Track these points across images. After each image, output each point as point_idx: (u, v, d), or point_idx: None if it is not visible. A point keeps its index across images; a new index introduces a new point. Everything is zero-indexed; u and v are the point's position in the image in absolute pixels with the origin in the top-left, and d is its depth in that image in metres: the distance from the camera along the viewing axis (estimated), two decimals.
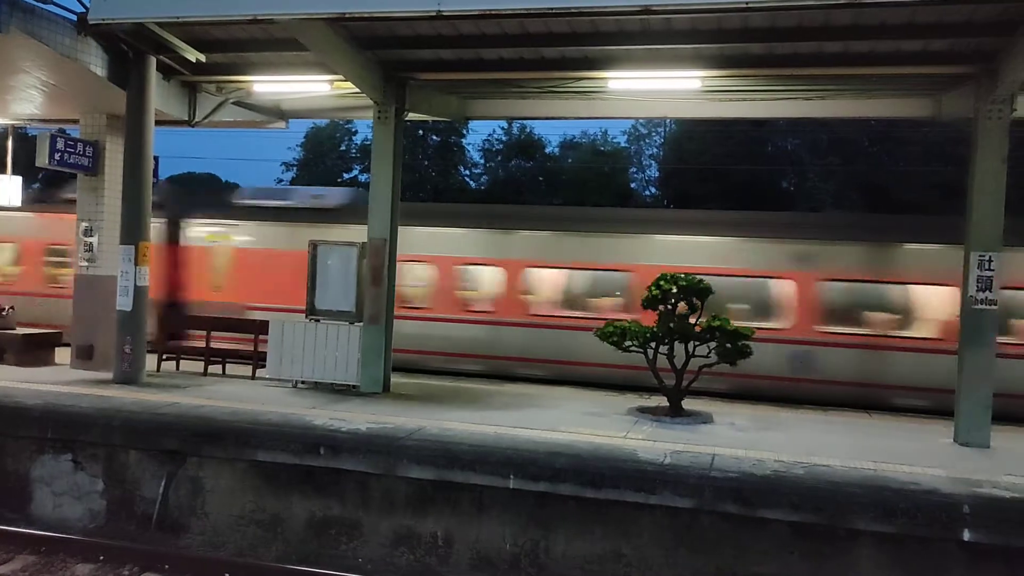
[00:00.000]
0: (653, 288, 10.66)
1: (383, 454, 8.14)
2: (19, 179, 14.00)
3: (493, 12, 8.86)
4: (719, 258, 13.43)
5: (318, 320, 11.89)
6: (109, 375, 11.56)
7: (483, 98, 13.05)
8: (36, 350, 12.86)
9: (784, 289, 13.33)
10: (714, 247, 13.64)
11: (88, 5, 9.83)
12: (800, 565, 7.14)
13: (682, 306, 10.65)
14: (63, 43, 10.20)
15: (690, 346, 10.54)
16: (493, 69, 11.33)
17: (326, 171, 44.20)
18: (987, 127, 9.64)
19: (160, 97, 11.92)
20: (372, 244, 11.62)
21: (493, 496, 7.84)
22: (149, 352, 11.89)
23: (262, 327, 12.27)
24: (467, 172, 44.43)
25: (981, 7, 8.81)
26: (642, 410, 11.00)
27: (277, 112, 14.36)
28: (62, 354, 13.01)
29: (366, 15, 9.17)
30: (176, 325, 14.55)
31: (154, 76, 11.49)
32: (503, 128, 43.62)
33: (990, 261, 9.56)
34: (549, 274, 14.40)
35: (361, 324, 11.66)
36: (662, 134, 42.95)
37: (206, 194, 19.26)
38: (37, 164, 12.00)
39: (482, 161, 44.59)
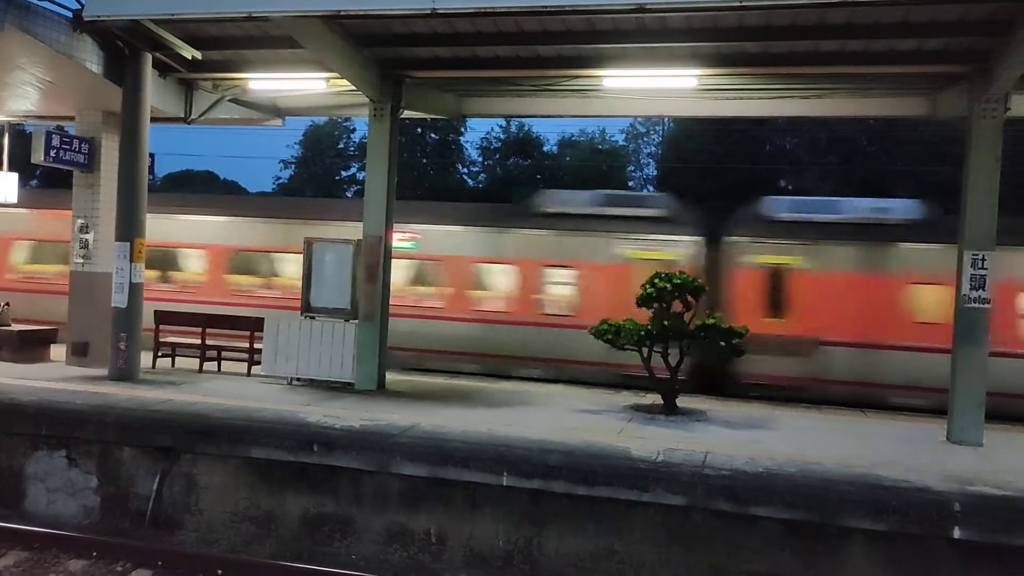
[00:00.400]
0: (647, 286, 10.68)
1: (376, 451, 8.14)
2: (15, 176, 14.01)
3: (488, 10, 8.85)
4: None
5: (313, 317, 11.90)
6: (104, 372, 11.57)
7: (479, 96, 13.06)
8: (31, 347, 12.86)
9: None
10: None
11: (83, 2, 9.83)
12: (792, 562, 7.16)
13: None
14: (59, 40, 10.19)
15: (683, 345, 10.56)
16: (489, 67, 11.33)
17: (324, 169, 44.21)
18: (981, 126, 9.66)
19: (156, 94, 11.91)
20: (367, 241, 11.63)
21: (486, 493, 7.85)
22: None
23: (257, 324, 12.28)
24: (465, 170, 44.45)
25: (974, 6, 8.83)
26: (636, 408, 11.02)
27: (274, 109, 14.35)
28: (58, 351, 13.03)
29: (361, 13, 9.18)
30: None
31: (150, 73, 11.48)
32: (501, 126, 43.65)
33: (983, 260, 9.58)
34: None
35: (356, 321, 11.67)
36: (660, 132, 42.98)
37: (746, 209, 15.94)
38: (33, 161, 12.01)
39: (480, 159, 44.60)
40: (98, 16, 9.70)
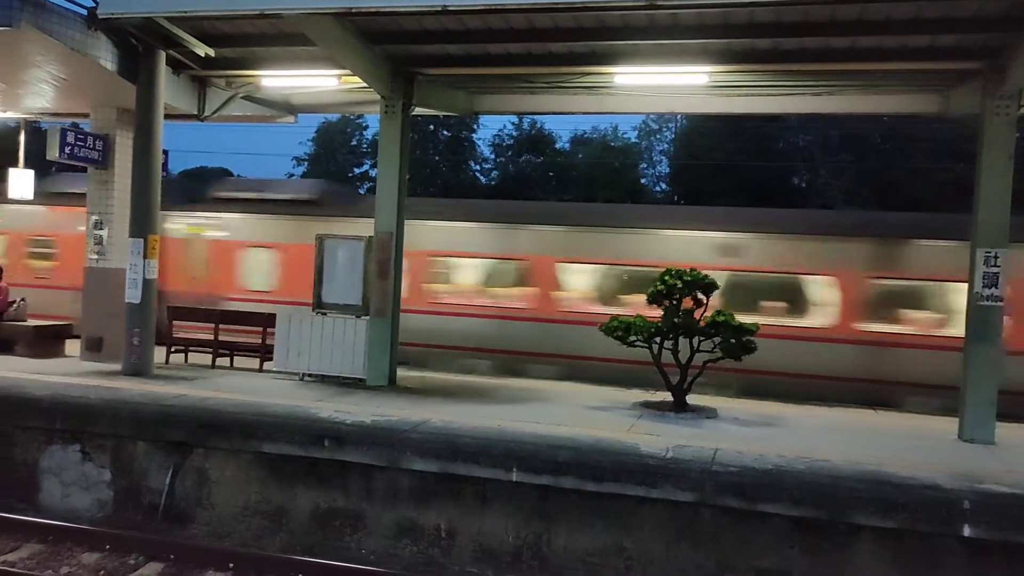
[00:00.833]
0: (658, 283, 10.67)
1: (387, 446, 8.19)
2: (31, 172, 14.15)
3: (498, 7, 8.89)
4: None
5: (325, 313, 11.96)
6: (118, 367, 11.67)
7: (491, 93, 13.08)
8: (46, 342, 13.01)
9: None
10: None
11: (98, 0, 9.92)
12: (800, 559, 7.17)
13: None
14: (73, 38, 10.28)
15: (694, 341, 10.55)
16: (500, 64, 11.34)
17: (337, 166, 44.35)
18: (994, 123, 9.60)
19: (170, 91, 12.00)
20: (378, 238, 11.68)
21: (496, 489, 7.89)
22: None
23: (269, 320, 12.36)
24: (477, 167, 44.51)
25: (988, 3, 8.78)
26: (646, 405, 11.02)
27: (286, 106, 14.42)
28: (72, 346, 13.17)
29: (372, 10, 9.20)
30: None
31: (164, 70, 11.57)
32: (514, 123, 43.68)
33: (996, 258, 9.53)
34: None
35: (368, 318, 11.73)
36: (673, 130, 42.89)
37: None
38: (48, 158, 12.13)
39: (492, 156, 44.65)
40: (112, 13, 9.80)
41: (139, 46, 11.19)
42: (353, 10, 9.05)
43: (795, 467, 7.82)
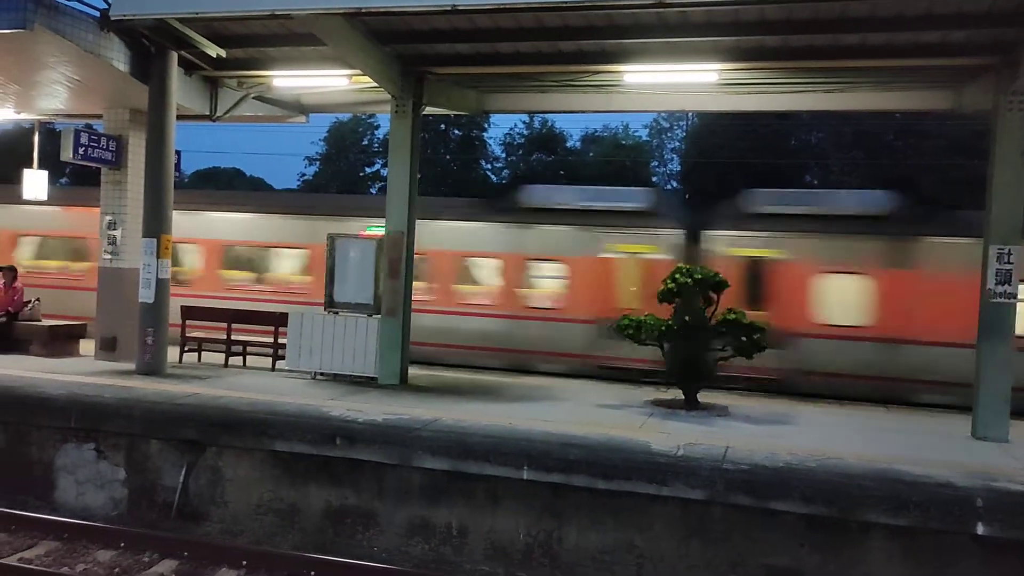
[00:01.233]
0: (668, 282, 10.67)
1: (398, 445, 8.22)
2: (45, 173, 14.26)
3: (508, 6, 8.90)
4: None
5: (336, 313, 12.01)
6: (132, 366, 11.76)
7: (501, 92, 13.09)
8: (61, 342, 13.12)
9: None
10: None
11: (110, 1, 10.00)
12: (811, 557, 7.15)
13: None
14: (86, 39, 10.36)
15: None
16: (510, 63, 11.35)
17: (349, 165, 44.46)
18: (1007, 119, 9.55)
19: (182, 92, 12.07)
20: (390, 237, 11.72)
21: (507, 487, 7.90)
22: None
23: (281, 319, 12.42)
24: (488, 166, 44.52)
25: None
26: (657, 403, 11.02)
27: (297, 106, 14.48)
28: (87, 346, 13.27)
29: (382, 10, 9.24)
30: None
31: (176, 71, 11.64)
32: (524, 122, 43.68)
33: (1009, 254, 9.48)
34: None
35: (379, 317, 11.77)
36: (684, 128, 42.78)
37: None
38: (62, 158, 12.22)
39: (503, 155, 44.66)
40: (125, 15, 9.87)
41: (151, 47, 11.27)
42: (363, 10, 9.09)
43: (806, 465, 7.81)
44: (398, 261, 11.68)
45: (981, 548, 6.85)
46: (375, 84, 11.55)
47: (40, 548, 7.78)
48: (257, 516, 8.58)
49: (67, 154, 12.02)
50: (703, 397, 10.97)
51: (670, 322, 10.62)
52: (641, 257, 14.88)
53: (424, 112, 12.29)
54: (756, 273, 14.40)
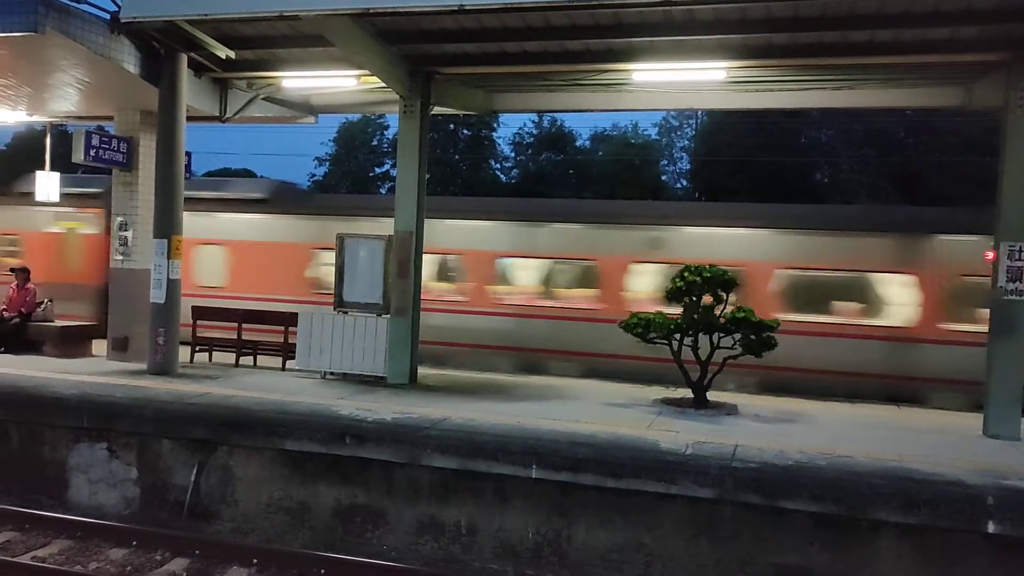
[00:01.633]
0: (677, 280, 10.66)
1: (408, 444, 8.25)
2: (57, 175, 14.37)
3: (515, 5, 8.90)
4: None
5: (346, 312, 12.06)
6: (143, 366, 11.84)
7: (509, 91, 13.11)
8: (74, 342, 13.22)
9: None
10: None
11: (120, 4, 10.06)
12: (821, 556, 7.13)
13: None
14: (97, 42, 10.44)
15: (714, 338, 10.52)
16: (517, 62, 11.36)
17: (358, 166, 44.57)
18: (1017, 115, 9.50)
19: (192, 93, 12.15)
20: (398, 237, 11.75)
21: (516, 485, 7.91)
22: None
23: (291, 319, 12.47)
24: (498, 166, 44.55)
25: None
26: (666, 402, 11.01)
27: (307, 107, 14.53)
28: (99, 346, 13.36)
29: (389, 10, 9.27)
30: None
31: (185, 73, 11.71)
32: (534, 121, 43.68)
33: (1020, 251, 9.43)
34: None
35: (388, 316, 11.80)
36: (693, 126, 42.69)
37: None
38: (73, 160, 12.31)
39: (513, 155, 44.67)
40: (135, 17, 9.94)
41: (161, 49, 11.35)
42: (370, 10, 9.13)
43: (816, 463, 7.80)
44: (407, 261, 11.71)
45: (991, 546, 6.81)
46: (383, 84, 11.59)
47: (53, 547, 7.84)
48: (267, 515, 8.63)
49: (78, 156, 12.10)
50: (712, 395, 10.97)
51: (679, 320, 10.61)
52: None
53: (432, 112, 12.33)
54: None
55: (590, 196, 33.66)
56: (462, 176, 41.37)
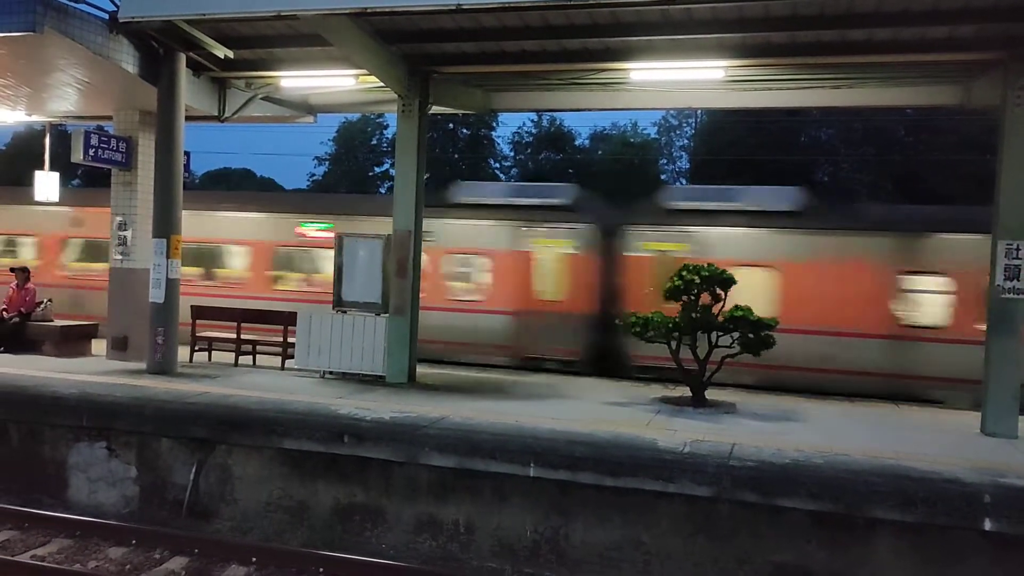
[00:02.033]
0: (675, 279, 10.67)
1: (406, 442, 8.27)
2: (56, 175, 14.38)
3: (512, 5, 8.91)
4: None
5: (345, 311, 12.07)
6: (143, 366, 11.86)
7: (507, 91, 13.11)
8: (73, 341, 13.23)
9: None
10: None
11: (119, 4, 10.07)
12: (818, 553, 7.15)
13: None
14: (95, 41, 10.44)
15: (712, 336, 10.54)
16: (515, 62, 11.37)
17: (358, 165, 44.57)
18: (1015, 114, 9.51)
19: (190, 93, 12.15)
20: (397, 236, 11.76)
21: (514, 484, 7.93)
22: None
23: (290, 319, 12.49)
24: (497, 165, 44.56)
25: None
26: (665, 400, 11.03)
27: (305, 106, 14.53)
28: (98, 346, 13.37)
29: (387, 9, 9.28)
30: None
31: (184, 73, 11.72)
32: (533, 120, 43.70)
33: (1018, 250, 9.44)
34: None
35: (387, 315, 11.82)
36: (693, 125, 42.70)
37: None
38: (72, 160, 12.32)
39: (512, 154, 44.69)
40: (133, 17, 9.94)
41: (160, 49, 11.36)
42: (368, 10, 9.13)
43: (813, 461, 7.82)
44: (406, 260, 11.72)
45: (989, 544, 6.83)
46: (382, 84, 11.59)
47: (53, 545, 7.86)
48: (266, 513, 8.64)
49: (77, 156, 12.11)
50: (711, 394, 10.99)
51: (678, 319, 10.63)
52: None
53: (431, 111, 12.34)
54: None
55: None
56: (461, 175, 41.36)
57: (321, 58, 11.73)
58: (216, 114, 13.37)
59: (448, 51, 11.41)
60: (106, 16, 10.58)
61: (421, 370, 12.42)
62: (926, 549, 6.95)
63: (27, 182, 14.82)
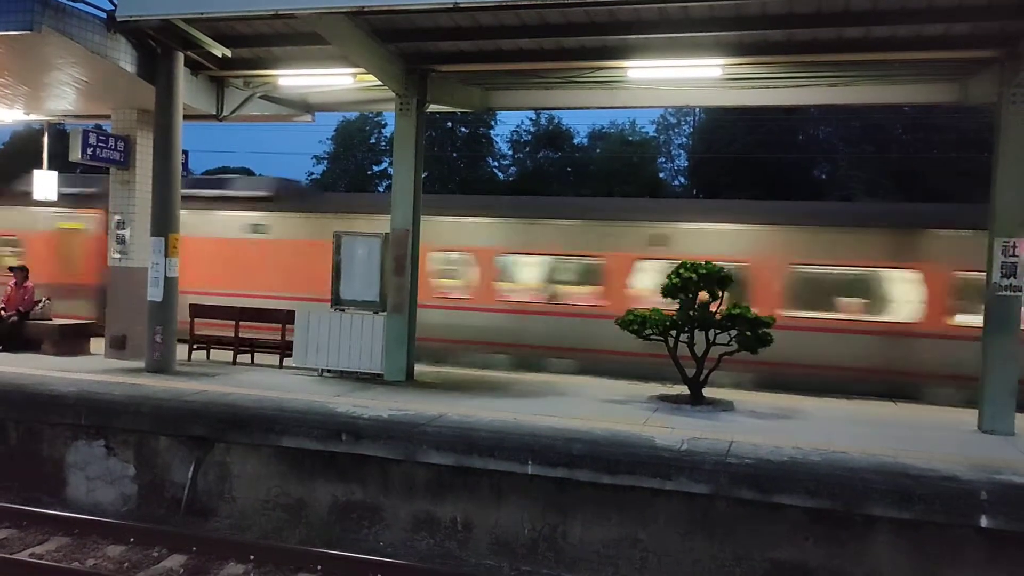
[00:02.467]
0: (673, 276, 10.68)
1: (404, 440, 8.28)
2: (55, 174, 14.37)
3: (509, 3, 8.93)
4: None
5: (343, 310, 12.08)
6: (141, 364, 11.87)
7: (505, 89, 13.10)
8: (72, 340, 13.23)
9: None
10: None
11: (116, 3, 10.07)
12: (816, 551, 7.17)
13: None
14: (93, 40, 10.45)
15: (710, 334, 10.54)
16: (513, 60, 11.38)
17: (356, 164, 44.58)
18: (1010, 111, 9.52)
19: (188, 92, 12.16)
20: (395, 235, 11.77)
21: (512, 482, 7.94)
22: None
23: (289, 317, 12.50)
24: (495, 164, 44.57)
25: None
26: (663, 398, 11.04)
27: (303, 105, 14.54)
28: (97, 344, 13.38)
29: (384, 8, 9.28)
30: None
31: (182, 71, 11.72)
32: (531, 119, 43.71)
33: (1014, 247, 9.45)
34: None
35: (385, 313, 11.83)
36: (691, 123, 42.72)
37: None
38: (70, 159, 12.33)
39: (510, 152, 44.70)
40: (131, 16, 9.94)
41: (157, 48, 11.36)
42: (365, 8, 9.12)
43: (811, 459, 7.83)
44: (404, 258, 11.73)
45: (986, 541, 6.85)
46: (380, 82, 11.60)
47: (51, 544, 7.87)
48: (264, 511, 8.66)
49: (75, 155, 12.11)
50: (708, 392, 11.00)
51: (675, 317, 10.64)
52: None
53: (429, 109, 12.34)
54: None
55: (589, 194, 33.67)
56: (460, 174, 41.39)
57: (319, 57, 11.74)
58: (214, 113, 13.38)
59: (445, 49, 11.42)
60: (104, 15, 10.59)
61: (419, 368, 12.43)
62: (923, 546, 6.97)
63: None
